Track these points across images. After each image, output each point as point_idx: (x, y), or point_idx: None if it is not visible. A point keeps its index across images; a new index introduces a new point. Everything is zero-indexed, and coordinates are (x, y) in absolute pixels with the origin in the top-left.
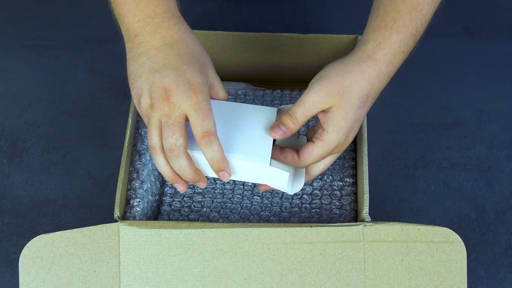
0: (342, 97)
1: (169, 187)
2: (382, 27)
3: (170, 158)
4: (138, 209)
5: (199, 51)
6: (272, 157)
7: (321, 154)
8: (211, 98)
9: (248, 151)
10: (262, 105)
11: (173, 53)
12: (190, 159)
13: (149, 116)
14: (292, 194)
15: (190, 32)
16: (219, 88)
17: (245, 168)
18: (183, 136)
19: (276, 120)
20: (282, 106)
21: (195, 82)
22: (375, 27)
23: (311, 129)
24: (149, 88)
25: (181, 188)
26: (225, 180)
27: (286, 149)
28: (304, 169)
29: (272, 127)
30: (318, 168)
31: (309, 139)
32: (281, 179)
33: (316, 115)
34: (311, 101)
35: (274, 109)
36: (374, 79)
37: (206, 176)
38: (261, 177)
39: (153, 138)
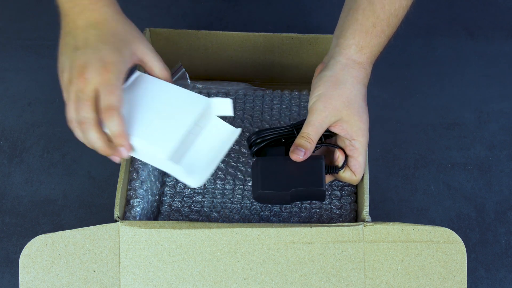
0: (349, 106)
1: (169, 187)
2: (363, 31)
3: (82, 131)
4: (138, 209)
5: (122, 30)
6: (336, 179)
7: (364, 159)
8: (148, 74)
9: (153, 136)
10: (262, 105)
11: (94, 33)
12: (100, 131)
13: (68, 91)
14: (194, 187)
15: (115, 13)
16: (152, 63)
17: (145, 152)
18: (93, 110)
19: (293, 144)
20: (214, 98)
21: (109, 60)
22: (355, 31)
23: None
24: (69, 64)
25: (116, 159)
26: (123, 156)
27: (347, 167)
28: (211, 159)
29: (292, 152)
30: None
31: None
32: (177, 172)
33: (330, 132)
34: (320, 120)
35: (208, 100)
36: (365, 79)
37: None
38: (161, 165)
39: (70, 111)
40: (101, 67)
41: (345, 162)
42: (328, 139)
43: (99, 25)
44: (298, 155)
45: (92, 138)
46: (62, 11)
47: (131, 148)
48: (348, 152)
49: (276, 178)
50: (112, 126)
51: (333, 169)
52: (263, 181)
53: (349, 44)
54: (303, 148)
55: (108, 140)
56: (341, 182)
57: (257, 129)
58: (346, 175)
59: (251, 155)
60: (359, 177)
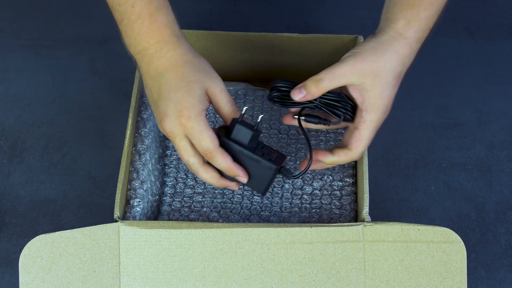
0: (376, 76)
1: (169, 187)
2: (410, 5)
3: (195, 173)
4: (138, 209)
5: (190, 73)
6: (324, 161)
7: (369, 136)
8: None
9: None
10: (262, 105)
11: (165, 82)
12: (208, 170)
13: (171, 140)
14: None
15: (182, 55)
16: (219, 105)
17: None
18: (192, 155)
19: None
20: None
21: (183, 107)
22: (402, 5)
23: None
24: (156, 117)
25: (234, 186)
26: (243, 182)
27: (335, 148)
28: None
29: (293, 90)
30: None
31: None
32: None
33: (348, 94)
34: (342, 72)
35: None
36: (406, 58)
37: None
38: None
39: (183, 157)
40: (178, 116)
41: (303, 172)
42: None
43: (167, 73)
44: (296, 95)
45: (203, 178)
46: (135, 62)
47: (246, 174)
48: (355, 123)
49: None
50: (218, 165)
51: (288, 173)
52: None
53: (397, 17)
54: (307, 91)
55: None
56: (338, 165)
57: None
58: (340, 157)
59: (267, 98)
60: (355, 153)
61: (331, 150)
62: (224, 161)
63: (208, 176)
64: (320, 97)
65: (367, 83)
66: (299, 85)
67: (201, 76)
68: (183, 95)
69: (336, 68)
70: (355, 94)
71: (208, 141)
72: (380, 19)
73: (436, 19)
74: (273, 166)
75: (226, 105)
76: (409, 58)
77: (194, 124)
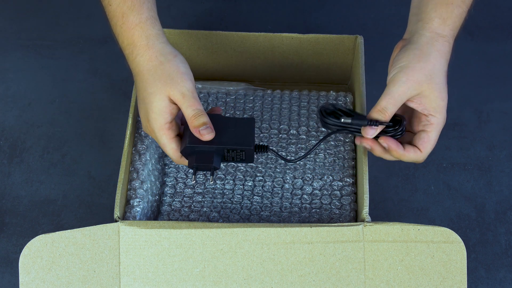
0: (430, 80)
1: (169, 187)
2: (444, 3)
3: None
4: (138, 209)
5: (151, 82)
6: (394, 155)
7: (436, 137)
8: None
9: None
10: (262, 105)
11: (137, 86)
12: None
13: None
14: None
15: (147, 62)
16: (184, 110)
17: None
18: (170, 148)
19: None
20: None
21: (146, 120)
22: (436, 4)
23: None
24: None
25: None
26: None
27: (406, 145)
28: None
29: (364, 129)
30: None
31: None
32: None
33: (405, 105)
34: (401, 92)
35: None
36: (448, 55)
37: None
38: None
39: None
40: (146, 126)
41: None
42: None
43: (136, 79)
44: (368, 133)
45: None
46: None
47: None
48: (421, 127)
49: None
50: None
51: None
52: (190, 136)
53: (432, 17)
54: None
55: None
56: (405, 162)
57: (257, 129)
58: (409, 153)
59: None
60: (425, 154)
61: (404, 144)
62: (187, 165)
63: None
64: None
65: (424, 89)
66: (365, 127)
67: (161, 84)
68: (146, 108)
69: (393, 91)
70: (413, 104)
71: (170, 153)
72: (408, 21)
73: (467, 15)
74: (251, 119)
75: (186, 111)
76: (449, 54)
77: (157, 136)
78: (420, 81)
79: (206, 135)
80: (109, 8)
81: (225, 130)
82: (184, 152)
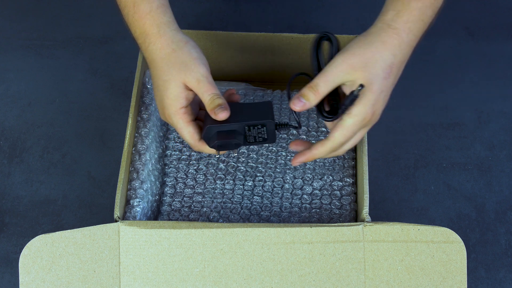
0: (365, 68)
1: (169, 187)
2: None
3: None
4: (138, 209)
5: (166, 69)
6: (301, 158)
7: (351, 128)
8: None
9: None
10: None
11: (151, 74)
12: (205, 144)
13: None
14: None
15: (160, 50)
16: (199, 94)
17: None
18: (187, 132)
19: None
20: None
21: (163, 106)
22: None
23: None
24: None
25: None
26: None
27: (313, 143)
28: None
29: (292, 100)
30: (348, 143)
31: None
32: None
33: (340, 92)
34: (334, 72)
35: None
36: (396, 49)
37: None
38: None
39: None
40: (163, 113)
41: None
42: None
43: (150, 68)
44: (295, 105)
45: (204, 152)
46: None
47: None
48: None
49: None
50: (204, 153)
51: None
52: (211, 119)
53: (387, 9)
54: (305, 99)
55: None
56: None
57: None
58: (317, 149)
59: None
60: (331, 141)
61: (310, 144)
62: (207, 150)
63: (206, 151)
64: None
65: (357, 77)
66: (296, 94)
67: (176, 72)
68: (161, 95)
69: (328, 70)
70: (347, 90)
71: (187, 137)
72: None
73: (433, 13)
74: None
75: (202, 96)
76: (400, 49)
77: (173, 121)
78: (354, 66)
79: (221, 113)
80: None
81: (244, 111)
82: (206, 135)
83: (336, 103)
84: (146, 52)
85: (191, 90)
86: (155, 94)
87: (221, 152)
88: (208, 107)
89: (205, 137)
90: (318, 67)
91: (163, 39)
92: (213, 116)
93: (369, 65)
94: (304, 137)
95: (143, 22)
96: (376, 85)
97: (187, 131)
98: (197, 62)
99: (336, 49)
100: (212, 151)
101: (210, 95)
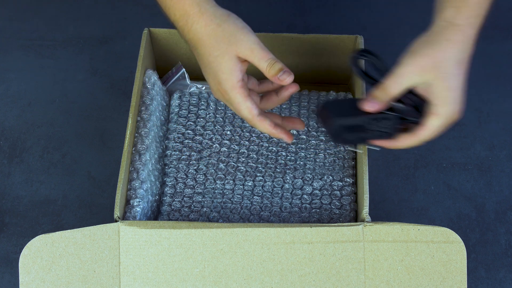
0: (437, 68)
1: (169, 187)
2: None
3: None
4: (138, 209)
5: (216, 44)
6: (384, 145)
7: (435, 127)
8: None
9: None
10: None
11: (198, 55)
12: (263, 120)
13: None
14: None
15: (205, 27)
16: (257, 64)
17: None
18: (245, 107)
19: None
20: None
21: (217, 82)
22: None
23: None
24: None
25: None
26: (288, 142)
27: (402, 134)
28: None
29: (364, 103)
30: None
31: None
32: None
33: (412, 95)
34: (403, 74)
35: None
36: (462, 45)
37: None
38: None
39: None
40: (218, 89)
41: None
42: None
43: (197, 48)
44: (368, 106)
45: (259, 130)
46: None
47: (290, 136)
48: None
49: (349, 110)
50: (261, 131)
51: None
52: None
53: (445, 6)
54: (377, 99)
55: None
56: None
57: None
58: (403, 140)
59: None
60: (417, 139)
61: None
62: (264, 128)
63: (262, 128)
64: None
65: (430, 78)
66: (367, 98)
67: (226, 45)
68: (215, 72)
69: (398, 72)
70: (419, 91)
71: (246, 112)
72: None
73: (489, 5)
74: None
75: (259, 64)
76: (466, 44)
77: (231, 97)
78: (424, 67)
79: (287, 78)
80: None
81: (351, 105)
82: (334, 130)
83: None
84: (190, 33)
85: (244, 61)
86: (207, 73)
87: (291, 139)
88: (269, 73)
89: (334, 132)
90: (367, 77)
91: (206, 16)
92: (278, 82)
93: (441, 65)
94: (304, 137)
95: (183, 3)
96: (453, 82)
97: (245, 106)
98: (245, 31)
99: (382, 62)
100: (267, 130)
101: (267, 61)
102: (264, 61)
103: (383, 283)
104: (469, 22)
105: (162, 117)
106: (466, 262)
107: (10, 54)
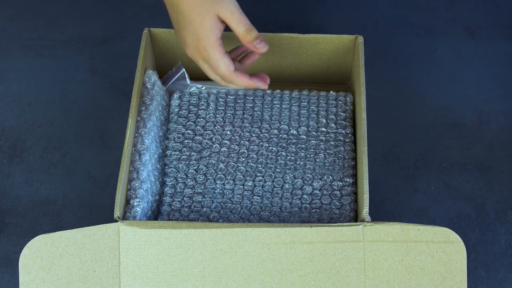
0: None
1: (169, 187)
2: None
3: (228, 83)
4: (138, 209)
5: (200, 2)
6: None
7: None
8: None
9: None
10: (262, 105)
11: (179, 12)
12: (238, 79)
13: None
14: None
15: None
16: (233, 28)
17: None
18: (215, 74)
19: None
20: None
21: (197, 38)
22: None
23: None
24: (180, 41)
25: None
26: (265, 88)
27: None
28: None
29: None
30: None
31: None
32: None
33: None
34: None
35: None
36: None
37: None
38: None
39: (209, 76)
40: (196, 46)
41: None
42: None
43: (180, 4)
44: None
45: (236, 86)
46: None
47: (266, 83)
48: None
49: None
50: (238, 86)
51: None
52: None
53: None
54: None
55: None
56: None
57: (257, 129)
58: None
59: None
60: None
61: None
62: (242, 82)
63: (240, 82)
64: None
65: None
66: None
67: (209, 4)
68: (196, 27)
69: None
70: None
71: (223, 68)
72: None
73: None
74: None
75: (237, 27)
76: None
77: (209, 53)
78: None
79: (263, 47)
80: None
81: None
82: None
83: None
84: None
85: (223, 22)
86: (185, 29)
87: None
88: (245, 38)
89: None
90: None
91: None
92: (253, 49)
93: None
94: (304, 137)
95: None
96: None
97: (223, 62)
98: None
99: None
100: (245, 82)
101: (245, 26)
102: (242, 25)
103: (383, 283)
104: None
105: (162, 117)
106: (466, 262)
107: (10, 54)
